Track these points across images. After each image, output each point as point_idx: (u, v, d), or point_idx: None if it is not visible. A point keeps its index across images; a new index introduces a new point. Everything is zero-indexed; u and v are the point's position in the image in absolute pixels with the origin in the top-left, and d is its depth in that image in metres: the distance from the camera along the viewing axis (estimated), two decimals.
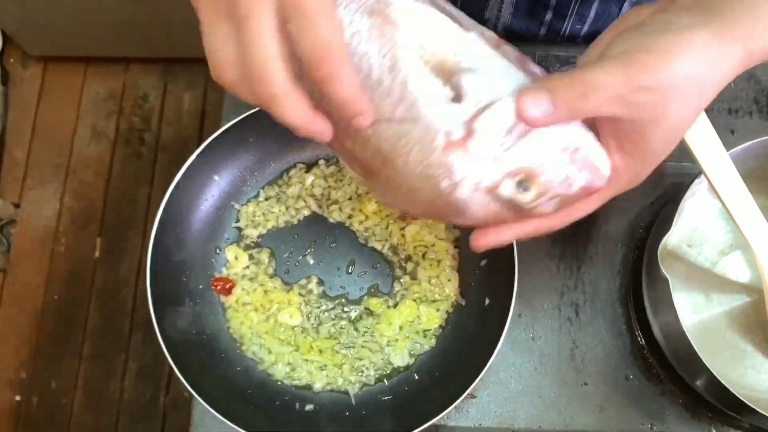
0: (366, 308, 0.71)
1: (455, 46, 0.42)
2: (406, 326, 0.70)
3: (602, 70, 0.40)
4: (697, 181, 0.61)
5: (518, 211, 0.42)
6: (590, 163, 0.42)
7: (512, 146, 0.40)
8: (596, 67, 0.40)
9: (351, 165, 0.46)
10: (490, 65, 0.42)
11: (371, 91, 0.40)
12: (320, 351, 0.69)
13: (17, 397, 1.65)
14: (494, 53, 0.43)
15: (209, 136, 0.66)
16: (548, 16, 0.76)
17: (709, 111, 0.75)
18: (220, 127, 0.66)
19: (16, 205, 1.77)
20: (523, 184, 0.41)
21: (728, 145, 0.59)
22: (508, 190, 0.41)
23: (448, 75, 0.41)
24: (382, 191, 0.46)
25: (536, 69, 0.44)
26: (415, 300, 0.70)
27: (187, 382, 0.61)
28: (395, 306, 0.70)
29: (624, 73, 0.40)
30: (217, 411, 0.61)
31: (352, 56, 0.40)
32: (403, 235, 0.72)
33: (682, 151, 0.57)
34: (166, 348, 0.62)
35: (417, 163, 0.41)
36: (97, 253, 1.73)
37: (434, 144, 0.40)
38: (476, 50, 0.42)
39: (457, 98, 0.41)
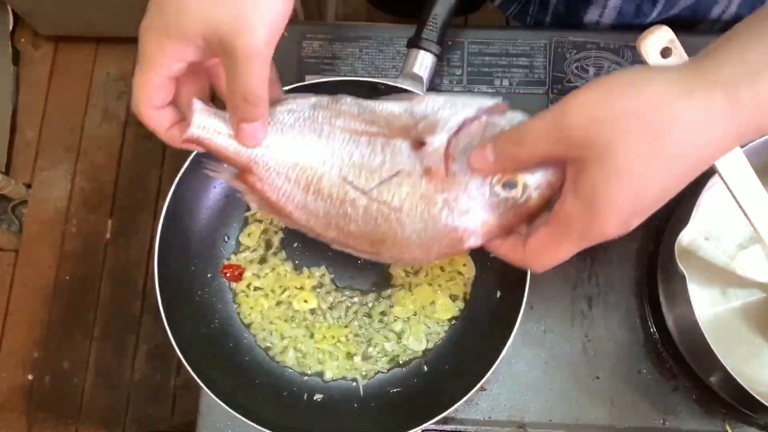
0: (385, 280, 0.70)
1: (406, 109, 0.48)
2: (421, 312, 0.69)
3: (536, 116, 0.42)
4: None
5: (516, 213, 0.46)
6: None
7: None
8: (534, 116, 0.42)
9: (358, 248, 0.51)
10: (439, 109, 0.47)
11: (363, 168, 0.47)
12: (333, 338, 0.69)
13: (30, 376, 1.66)
14: (443, 98, 0.48)
15: None
16: (657, 10, 0.73)
17: None
18: None
19: (28, 186, 1.78)
20: (508, 183, 0.45)
21: None
22: (498, 192, 0.45)
23: (406, 133, 0.47)
24: (397, 253, 0.50)
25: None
26: (430, 284, 0.70)
27: (195, 372, 0.61)
28: (410, 289, 0.70)
29: (553, 113, 0.40)
30: (224, 401, 0.60)
31: (345, 142, 0.48)
32: None
33: None
34: (174, 338, 0.62)
35: (415, 208, 0.47)
36: (108, 234, 1.74)
37: (422, 183, 0.46)
38: (423, 106, 0.48)
39: (420, 145, 0.46)
